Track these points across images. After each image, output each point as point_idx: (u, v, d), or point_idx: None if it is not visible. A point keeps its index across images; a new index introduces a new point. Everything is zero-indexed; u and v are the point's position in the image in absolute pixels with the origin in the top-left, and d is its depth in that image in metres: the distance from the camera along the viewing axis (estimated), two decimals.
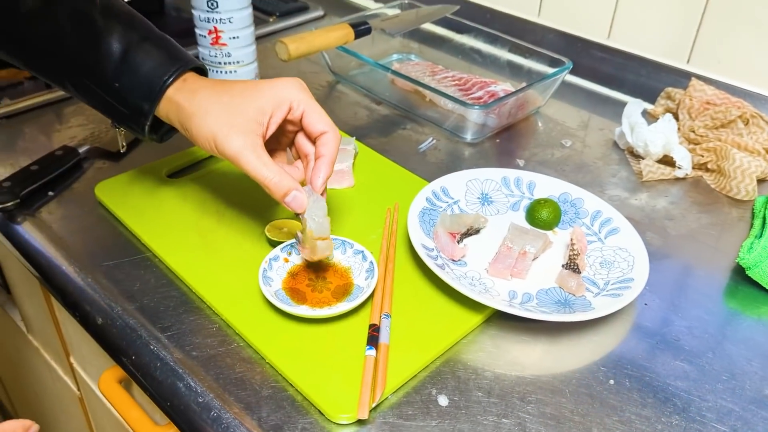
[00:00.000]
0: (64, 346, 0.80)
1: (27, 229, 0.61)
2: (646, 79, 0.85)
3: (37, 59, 0.55)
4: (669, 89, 0.82)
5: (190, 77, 0.54)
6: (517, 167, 0.72)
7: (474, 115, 0.75)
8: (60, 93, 0.80)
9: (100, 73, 0.53)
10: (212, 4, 0.74)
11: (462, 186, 0.64)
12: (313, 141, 0.54)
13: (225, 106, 0.51)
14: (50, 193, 0.65)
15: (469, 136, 0.77)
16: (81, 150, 0.70)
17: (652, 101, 0.83)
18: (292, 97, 0.52)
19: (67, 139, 0.72)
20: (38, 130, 0.75)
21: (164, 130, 0.59)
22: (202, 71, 0.56)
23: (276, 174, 0.50)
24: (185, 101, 0.52)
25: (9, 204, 0.62)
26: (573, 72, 0.89)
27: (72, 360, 0.81)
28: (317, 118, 0.53)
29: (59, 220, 0.62)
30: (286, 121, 0.54)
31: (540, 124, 0.81)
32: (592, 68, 0.89)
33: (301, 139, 0.55)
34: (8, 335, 1.00)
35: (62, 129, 0.76)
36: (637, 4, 0.84)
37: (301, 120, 0.53)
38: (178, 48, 0.55)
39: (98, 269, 0.56)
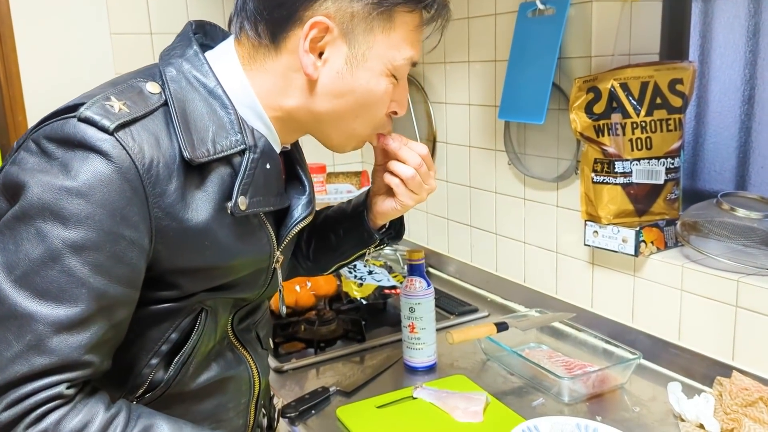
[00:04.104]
0: None
1: (299, 428, 1.12)
2: (705, 369, 1.20)
3: None
4: (719, 378, 1.16)
5: None
6: (594, 420, 1.09)
7: (568, 384, 1.15)
8: (318, 358, 1.37)
9: None
10: (412, 310, 1.28)
11: (549, 427, 1.04)
12: None
13: None
14: (312, 411, 1.17)
15: (566, 399, 1.16)
16: (330, 389, 1.22)
17: (709, 384, 1.17)
18: None
19: (323, 382, 1.26)
20: (310, 377, 1.30)
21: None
22: None
23: None
24: None
25: (293, 414, 1.14)
26: (654, 361, 1.27)
27: None
28: None
29: (316, 427, 1.12)
30: None
31: (621, 395, 1.18)
32: (668, 359, 1.26)
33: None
34: None
35: (321, 377, 1.30)
36: (694, 321, 1.23)
37: None
38: None
39: None
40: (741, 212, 1.18)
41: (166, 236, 0.74)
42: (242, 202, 0.78)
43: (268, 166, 0.81)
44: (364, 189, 1.07)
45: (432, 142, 1.88)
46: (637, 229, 1.27)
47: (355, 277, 1.71)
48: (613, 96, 1.27)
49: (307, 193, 0.91)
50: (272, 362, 1.34)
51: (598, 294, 1.42)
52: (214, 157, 0.76)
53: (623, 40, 1.35)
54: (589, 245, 1.36)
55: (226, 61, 0.82)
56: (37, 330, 0.66)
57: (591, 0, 1.31)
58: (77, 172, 0.67)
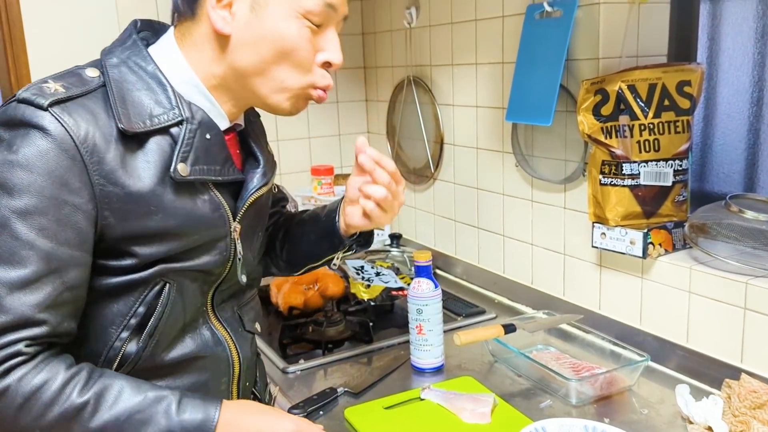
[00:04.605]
0: None
1: None
2: (713, 371, 1.20)
3: None
4: (728, 380, 1.15)
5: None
6: (602, 422, 1.09)
7: (575, 386, 1.16)
8: (325, 359, 1.37)
9: None
10: (419, 311, 1.29)
11: (556, 428, 1.04)
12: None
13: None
14: (320, 412, 1.17)
15: (574, 401, 1.16)
16: (338, 390, 1.23)
17: (718, 386, 1.17)
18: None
19: (331, 383, 1.26)
20: (318, 378, 1.31)
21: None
22: None
23: None
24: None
25: (301, 415, 1.15)
26: (662, 363, 1.27)
27: None
28: None
29: (324, 427, 1.12)
30: None
31: (629, 398, 1.18)
32: (676, 361, 1.26)
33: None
34: None
35: (329, 378, 1.31)
36: (702, 323, 1.23)
37: None
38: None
39: None
40: (749, 214, 1.18)
41: (111, 202, 0.79)
42: (182, 169, 0.83)
43: (207, 137, 0.86)
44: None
45: (439, 144, 1.88)
46: (645, 231, 1.27)
47: (363, 278, 1.72)
48: (620, 98, 1.27)
49: (261, 165, 0.96)
50: (280, 363, 1.35)
51: (605, 296, 1.42)
52: (151, 128, 0.82)
53: (631, 41, 1.35)
54: (596, 247, 1.36)
55: (165, 45, 0.89)
56: None
57: (599, 2, 1.32)
58: (18, 147, 0.75)
